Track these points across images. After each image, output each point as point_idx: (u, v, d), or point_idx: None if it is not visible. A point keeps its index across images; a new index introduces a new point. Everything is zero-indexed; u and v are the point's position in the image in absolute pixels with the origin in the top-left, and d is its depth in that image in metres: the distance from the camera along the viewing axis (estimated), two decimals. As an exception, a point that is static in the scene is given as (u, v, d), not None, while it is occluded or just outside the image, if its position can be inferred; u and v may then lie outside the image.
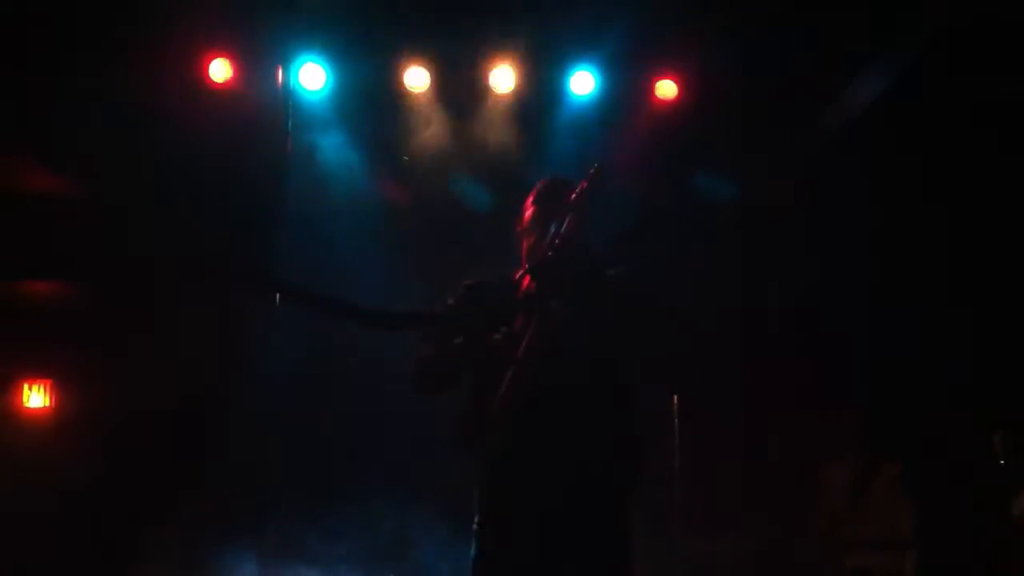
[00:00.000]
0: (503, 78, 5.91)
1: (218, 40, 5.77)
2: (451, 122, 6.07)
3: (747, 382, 5.95)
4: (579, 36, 5.78)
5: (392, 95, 5.98)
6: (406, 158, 6.11)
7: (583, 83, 5.92)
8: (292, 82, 5.88)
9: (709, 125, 5.88)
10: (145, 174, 5.58)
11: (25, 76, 5.39)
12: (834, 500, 5.43)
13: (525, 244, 3.21)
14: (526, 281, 3.12)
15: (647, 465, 3.06)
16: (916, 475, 5.25)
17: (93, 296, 6.08)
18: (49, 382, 6.16)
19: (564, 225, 2.97)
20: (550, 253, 2.99)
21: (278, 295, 5.38)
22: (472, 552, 3.02)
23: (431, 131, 6.06)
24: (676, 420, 5.50)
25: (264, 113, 5.91)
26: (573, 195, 3.00)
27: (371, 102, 6.01)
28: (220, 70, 5.78)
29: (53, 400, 6.15)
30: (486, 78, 5.93)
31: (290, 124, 5.95)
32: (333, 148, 6.02)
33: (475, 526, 3.04)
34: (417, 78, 5.92)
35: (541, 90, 5.99)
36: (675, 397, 5.54)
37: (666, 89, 5.99)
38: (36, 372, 6.15)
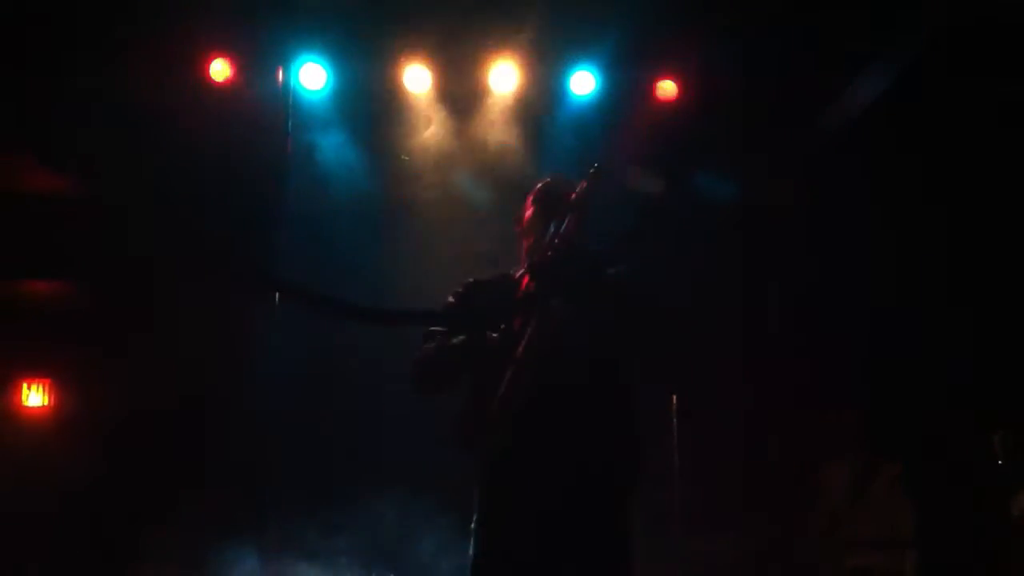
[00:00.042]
0: (503, 78, 5.92)
1: (218, 40, 5.77)
2: (451, 122, 6.07)
3: (747, 382, 5.94)
4: (579, 36, 5.79)
5: (392, 95, 5.98)
6: (406, 158, 6.11)
7: (583, 83, 5.93)
8: (292, 82, 5.88)
9: (709, 125, 5.88)
10: (145, 174, 5.57)
11: (25, 76, 5.39)
12: (834, 500, 5.43)
13: (525, 244, 3.21)
14: (526, 281, 3.12)
15: (647, 465, 3.06)
16: (916, 475, 5.26)
17: (93, 296, 6.07)
18: (48, 381, 6.16)
19: (564, 225, 2.97)
20: (550, 253, 2.99)
21: (278, 295, 5.38)
22: (471, 551, 3.02)
23: (431, 131, 6.07)
24: (676, 420, 5.49)
25: (264, 113, 5.91)
26: (573, 195, 3.00)
27: (372, 102, 6.01)
28: (220, 70, 5.79)
29: (52, 400, 6.15)
30: (486, 78, 5.94)
31: (290, 124, 5.95)
32: (333, 148, 6.02)
33: (474, 525, 3.04)
34: (417, 78, 5.92)
35: (541, 90, 6.00)
36: (675, 397, 5.54)
37: (666, 89, 5.99)
38: (35, 371, 6.15)
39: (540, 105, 6.02)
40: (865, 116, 5.68)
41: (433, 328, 3.15)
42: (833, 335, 5.90)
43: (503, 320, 3.02)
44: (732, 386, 5.89)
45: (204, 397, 5.82)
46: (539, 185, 3.27)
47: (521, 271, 3.18)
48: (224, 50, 5.77)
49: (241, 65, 5.81)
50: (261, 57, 5.86)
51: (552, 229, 3.00)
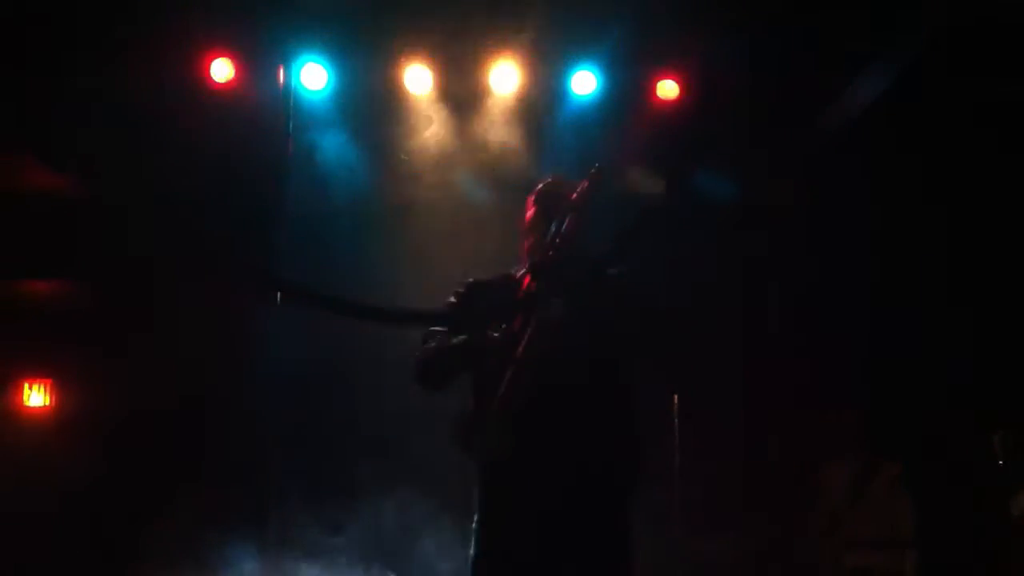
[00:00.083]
0: (504, 78, 5.92)
1: (219, 40, 5.77)
2: (452, 122, 6.07)
3: (747, 382, 5.94)
4: (580, 36, 5.79)
5: (393, 95, 5.98)
6: (406, 157, 6.11)
7: (584, 83, 5.92)
8: (293, 82, 5.88)
9: (709, 125, 5.88)
10: (145, 174, 5.57)
11: (25, 76, 5.39)
12: (834, 500, 5.42)
13: (526, 243, 3.21)
14: (526, 280, 3.12)
15: (647, 465, 3.06)
16: (916, 475, 5.25)
17: (93, 296, 6.07)
18: (49, 381, 6.16)
19: (565, 225, 2.98)
20: (551, 252, 2.99)
21: (278, 295, 5.38)
22: (472, 551, 3.03)
23: (432, 131, 6.06)
24: (676, 420, 5.50)
25: (265, 113, 5.91)
26: (574, 195, 3.00)
27: (372, 102, 6.01)
28: (221, 70, 5.79)
29: (53, 399, 6.15)
30: (487, 78, 5.94)
31: (291, 124, 5.95)
32: (334, 148, 6.02)
33: (475, 525, 3.04)
34: (418, 78, 5.92)
35: (542, 90, 6.00)
36: (675, 397, 5.54)
37: (667, 89, 5.99)
38: (36, 371, 6.15)
39: (541, 105, 6.01)
40: (865, 116, 5.67)
41: (434, 328, 3.16)
42: (833, 335, 5.89)
43: (504, 320, 3.03)
44: (732, 386, 5.89)
45: (204, 397, 5.81)
46: (540, 185, 3.27)
47: (522, 271, 3.18)
48: (224, 50, 5.77)
49: (242, 65, 5.81)
50: (261, 57, 5.86)
51: (553, 229, 3.01)
